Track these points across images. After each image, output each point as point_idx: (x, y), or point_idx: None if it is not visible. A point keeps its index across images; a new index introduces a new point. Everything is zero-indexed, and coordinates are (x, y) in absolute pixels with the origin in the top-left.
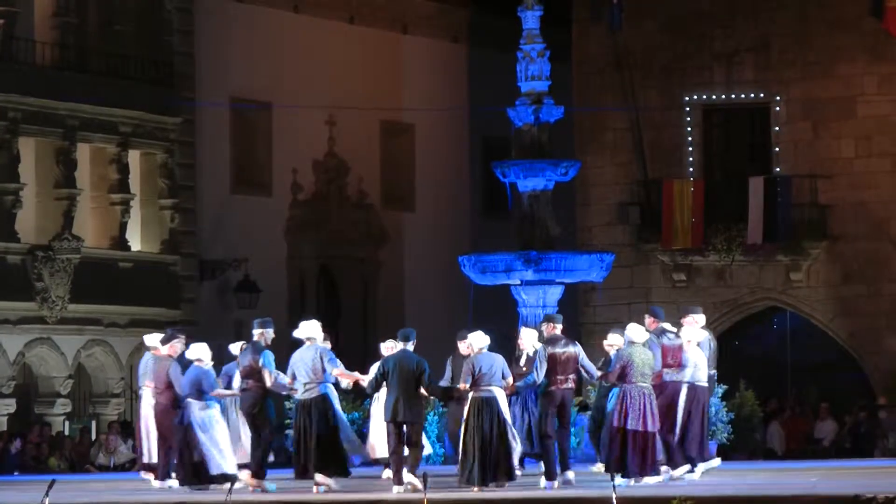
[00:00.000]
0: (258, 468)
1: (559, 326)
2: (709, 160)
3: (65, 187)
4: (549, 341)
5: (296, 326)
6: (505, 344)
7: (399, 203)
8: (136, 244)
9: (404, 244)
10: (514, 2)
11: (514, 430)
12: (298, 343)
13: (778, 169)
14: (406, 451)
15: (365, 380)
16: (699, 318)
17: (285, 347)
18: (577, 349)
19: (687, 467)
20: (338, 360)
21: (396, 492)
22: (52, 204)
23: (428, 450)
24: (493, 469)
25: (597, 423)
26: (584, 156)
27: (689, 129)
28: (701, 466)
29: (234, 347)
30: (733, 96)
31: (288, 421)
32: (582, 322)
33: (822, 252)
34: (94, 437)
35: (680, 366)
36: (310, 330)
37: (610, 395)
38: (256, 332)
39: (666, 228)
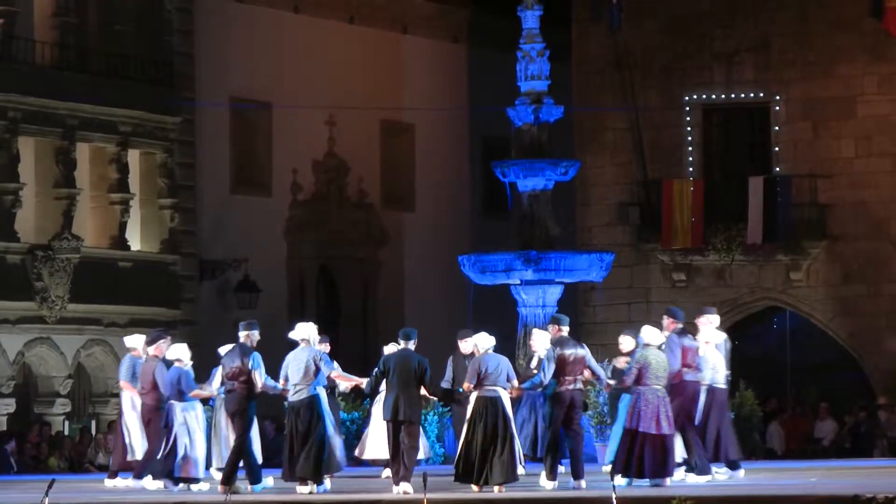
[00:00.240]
0: (230, 473)
1: (566, 328)
2: (709, 160)
3: (64, 187)
4: (557, 343)
5: (295, 327)
6: (505, 344)
7: (399, 203)
8: (135, 244)
9: (404, 244)
10: (514, 2)
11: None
12: (296, 344)
13: (778, 169)
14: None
15: (364, 383)
16: (714, 319)
17: (285, 348)
18: (584, 351)
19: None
20: (334, 363)
21: (396, 492)
22: (52, 203)
23: (424, 455)
24: (500, 469)
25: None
26: (583, 156)
27: (688, 128)
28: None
29: (224, 350)
30: (733, 96)
31: None
32: (581, 322)
33: (821, 252)
34: (93, 436)
35: (698, 368)
36: (305, 332)
37: (621, 396)
38: (242, 334)
39: (666, 228)
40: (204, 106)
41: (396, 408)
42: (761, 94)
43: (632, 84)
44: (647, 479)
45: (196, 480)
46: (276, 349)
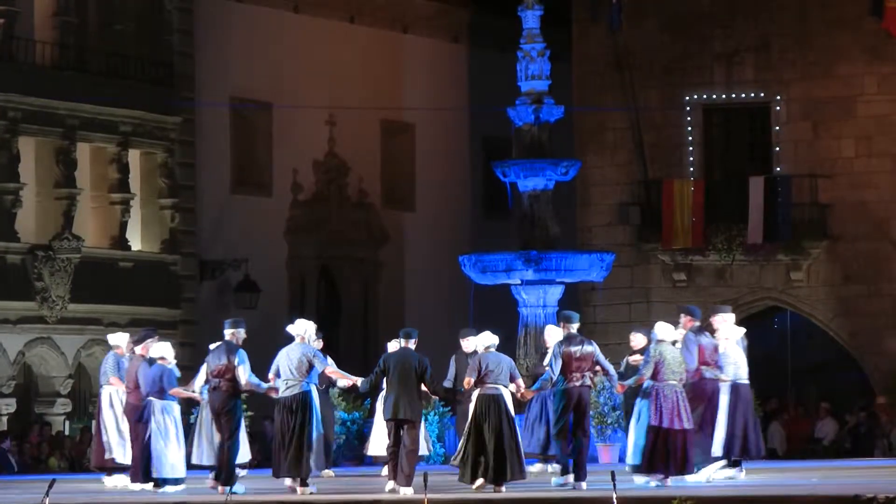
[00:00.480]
0: (220, 471)
1: (574, 325)
2: (709, 160)
3: (65, 187)
4: (564, 340)
5: (295, 322)
6: (506, 344)
7: (399, 203)
8: (136, 244)
9: (404, 244)
10: (514, 2)
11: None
12: (292, 340)
13: (778, 169)
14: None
15: (359, 381)
16: (729, 317)
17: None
18: (593, 348)
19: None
20: (329, 359)
21: (389, 489)
22: (52, 203)
23: (425, 450)
24: (509, 467)
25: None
26: (584, 155)
27: (689, 128)
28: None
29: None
30: (733, 96)
31: None
32: (582, 322)
33: (822, 252)
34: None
35: (718, 365)
36: (302, 328)
37: (638, 395)
38: (228, 332)
39: (666, 228)
40: (204, 106)
41: (397, 407)
42: (761, 94)
43: (632, 84)
44: (670, 476)
45: (167, 482)
46: (276, 349)
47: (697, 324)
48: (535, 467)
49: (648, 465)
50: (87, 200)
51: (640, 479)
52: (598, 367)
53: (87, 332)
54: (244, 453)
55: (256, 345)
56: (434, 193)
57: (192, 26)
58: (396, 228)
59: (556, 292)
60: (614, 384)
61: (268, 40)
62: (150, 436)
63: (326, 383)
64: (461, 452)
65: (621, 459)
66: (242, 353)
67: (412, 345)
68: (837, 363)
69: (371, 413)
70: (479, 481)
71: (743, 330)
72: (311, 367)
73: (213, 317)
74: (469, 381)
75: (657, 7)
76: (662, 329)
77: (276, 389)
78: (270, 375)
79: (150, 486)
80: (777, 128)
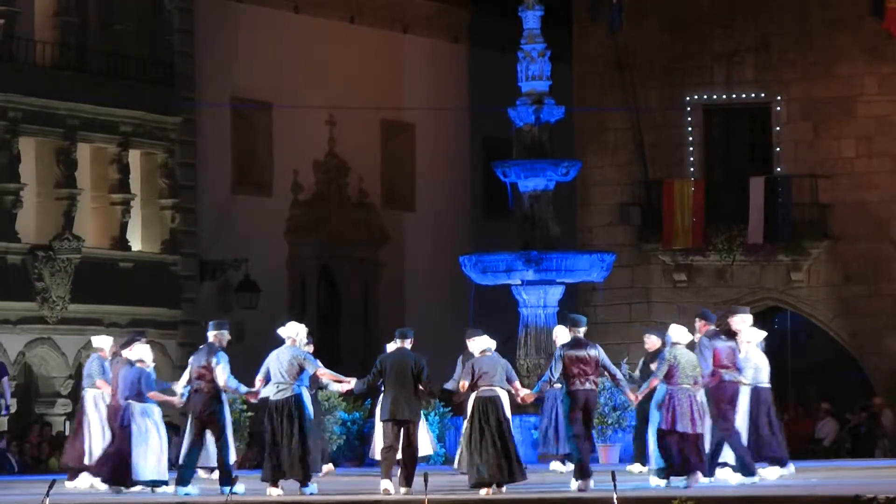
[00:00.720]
0: (225, 475)
1: (582, 329)
2: (709, 160)
3: (65, 187)
4: (568, 343)
5: (286, 325)
6: (506, 344)
7: (399, 203)
8: (136, 244)
9: (404, 244)
10: (515, 2)
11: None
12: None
13: (778, 169)
14: (399, 454)
15: (352, 382)
16: (747, 318)
17: None
18: (597, 351)
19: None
20: (318, 361)
21: (383, 489)
22: (53, 204)
23: (430, 450)
24: (508, 469)
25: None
26: (584, 156)
27: (689, 128)
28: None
29: None
30: (734, 96)
31: None
32: None
33: (822, 252)
34: None
35: (737, 368)
36: (294, 330)
37: (655, 398)
38: (211, 334)
39: (666, 228)
40: (204, 106)
41: (394, 408)
42: (762, 95)
43: (632, 84)
44: (684, 479)
45: (150, 484)
46: (272, 349)
47: (713, 328)
48: (555, 466)
49: (667, 468)
50: (87, 201)
51: (660, 482)
52: (607, 373)
53: (88, 333)
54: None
55: (257, 345)
56: (434, 193)
57: (192, 26)
58: (396, 228)
59: (556, 293)
60: (623, 388)
61: (268, 40)
62: (130, 440)
63: (315, 387)
64: (459, 455)
65: (621, 459)
66: (223, 354)
67: (408, 345)
68: (838, 363)
69: (371, 413)
70: (484, 490)
71: (764, 333)
72: (301, 369)
73: (213, 317)
74: (464, 384)
75: (657, 7)
76: (677, 332)
77: (256, 394)
78: (259, 378)
79: (134, 489)
80: (777, 128)
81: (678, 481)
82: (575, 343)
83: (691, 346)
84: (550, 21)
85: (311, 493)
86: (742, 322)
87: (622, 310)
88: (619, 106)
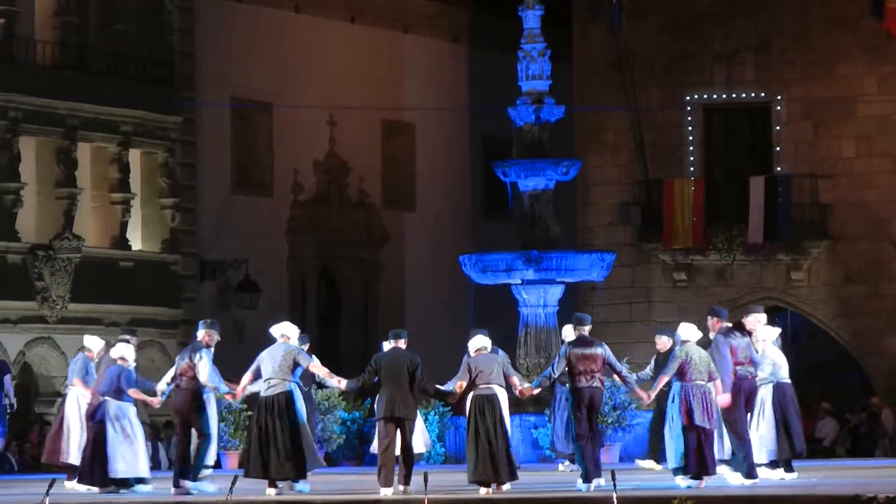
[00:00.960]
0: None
1: (587, 328)
2: (709, 160)
3: (65, 187)
4: (574, 341)
5: (278, 325)
6: (506, 344)
7: (399, 203)
8: (136, 244)
9: (405, 244)
10: (515, 2)
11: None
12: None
13: (779, 168)
14: (397, 452)
15: (342, 383)
16: (762, 317)
17: None
18: (603, 349)
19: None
20: (313, 357)
21: (384, 494)
22: (53, 203)
23: (423, 448)
24: (499, 467)
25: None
26: (584, 155)
27: (689, 128)
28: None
29: None
30: (734, 96)
31: None
32: None
33: (822, 252)
34: None
35: (752, 363)
36: (286, 329)
37: (670, 396)
38: (200, 333)
39: (667, 228)
40: (204, 106)
41: (391, 406)
42: (762, 94)
43: (632, 84)
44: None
45: (127, 483)
46: None
47: (726, 324)
48: (563, 466)
49: (692, 465)
50: (87, 200)
51: (683, 482)
52: (614, 372)
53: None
54: (210, 455)
55: (257, 345)
56: (434, 193)
57: (192, 26)
58: (396, 228)
59: (556, 292)
60: (631, 386)
61: (268, 40)
62: (105, 437)
63: (310, 384)
64: (467, 456)
65: (621, 459)
66: (207, 352)
67: (402, 344)
68: (838, 363)
69: (371, 412)
70: (484, 490)
71: (778, 330)
72: (296, 364)
73: (213, 317)
74: (461, 384)
75: (657, 7)
76: (687, 330)
77: (235, 395)
78: (248, 374)
79: (109, 488)
80: (777, 128)
81: (693, 482)
82: (581, 341)
83: (702, 343)
84: (550, 21)
85: (301, 492)
86: (757, 321)
87: (622, 309)
88: (619, 106)
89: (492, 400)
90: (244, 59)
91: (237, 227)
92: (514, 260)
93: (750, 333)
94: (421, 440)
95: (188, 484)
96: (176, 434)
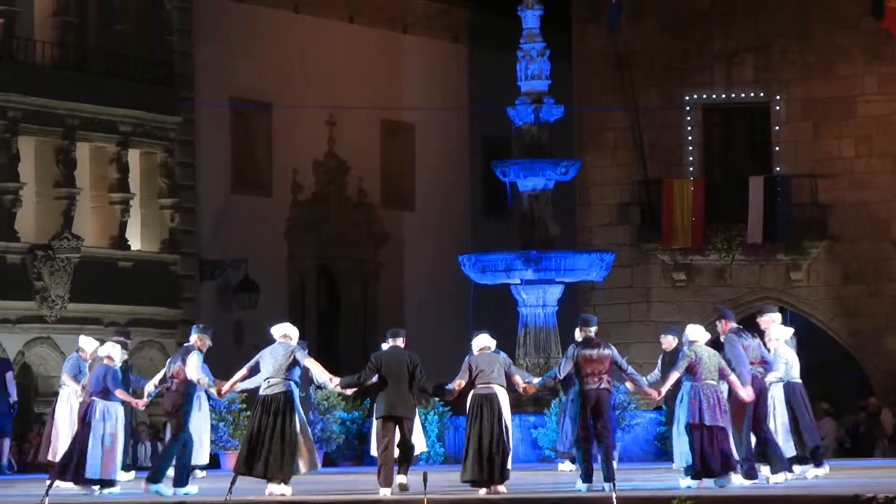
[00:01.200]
0: (155, 472)
1: (592, 329)
2: (709, 160)
3: (64, 186)
4: (580, 343)
5: (279, 325)
6: (505, 343)
7: (399, 203)
8: (135, 244)
9: (404, 244)
10: (514, 2)
11: (509, 433)
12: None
13: (778, 168)
14: (397, 452)
15: (335, 379)
16: (776, 317)
17: None
18: (610, 351)
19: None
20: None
21: (384, 494)
22: (52, 203)
23: (423, 447)
24: (490, 468)
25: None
26: (584, 155)
27: (689, 128)
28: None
29: None
30: (733, 96)
31: None
32: None
33: (822, 252)
34: None
35: (764, 363)
36: (287, 330)
37: (679, 396)
38: (193, 337)
39: (666, 228)
40: (204, 106)
41: (391, 404)
42: (761, 94)
43: (632, 84)
44: (714, 479)
45: (111, 483)
46: None
47: (735, 325)
48: (563, 466)
49: (700, 467)
50: (86, 200)
51: (690, 483)
52: (622, 372)
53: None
54: (202, 456)
55: (257, 345)
56: (434, 193)
57: (192, 26)
58: (396, 228)
59: (555, 292)
60: (641, 386)
61: (268, 40)
62: (88, 436)
63: (307, 388)
64: (467, 456)
65: (621, 459)
66: (196, 353)
67: (401, 343)
68: (837, 363)
69: (371, 412)
70: (483, 490)
71: (791, 330)
72: (294, 363)
73: (213, 317)
74: (460, 383)
75: (657, 7)
76: (694, 331)
77: (220, 392)
78: (244, 370)
79: (88, 487)
80: (777, 128)
81: (708, 482)
82: (588, 342)
83: (710, 345)
84: (550, 21)
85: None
86: (771, 321)
87: (622, 309)
88: (618, 106)
89: (490, 399)
90: (243, 59)
91: (236, 227)
92: (513, 260)
93: (763, 333)
94: (421, 440)
95: (149, 486)
96: (168, 435)
